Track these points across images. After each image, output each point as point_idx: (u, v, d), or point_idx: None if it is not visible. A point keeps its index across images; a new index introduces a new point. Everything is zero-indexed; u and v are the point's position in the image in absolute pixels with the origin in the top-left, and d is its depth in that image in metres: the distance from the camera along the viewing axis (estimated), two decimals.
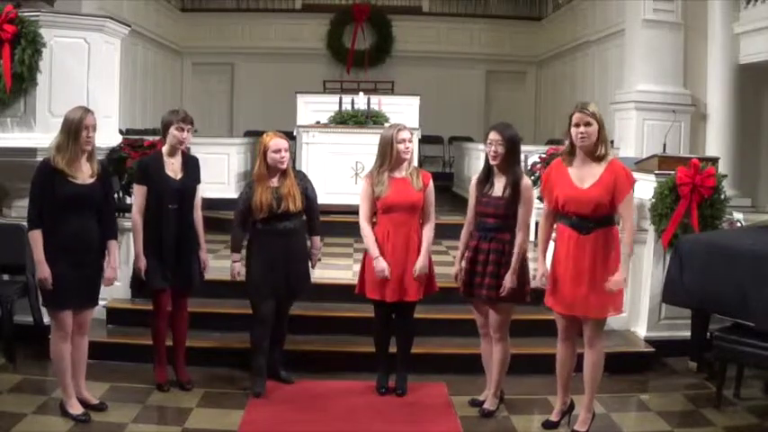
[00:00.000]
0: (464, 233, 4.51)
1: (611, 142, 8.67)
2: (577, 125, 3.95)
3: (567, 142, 4.09)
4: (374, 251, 4.56)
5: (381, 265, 4.52)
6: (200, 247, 4.76)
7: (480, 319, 4.49)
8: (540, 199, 4.38)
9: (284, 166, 4.63)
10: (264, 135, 4.70)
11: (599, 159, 3.98)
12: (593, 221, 3.98)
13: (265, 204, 4.54)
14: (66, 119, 4.08)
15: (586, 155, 4.00)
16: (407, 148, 4.56)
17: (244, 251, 4.73)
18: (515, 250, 4.27)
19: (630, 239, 4.00)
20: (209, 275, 4.89)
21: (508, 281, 4.25)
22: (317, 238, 4.86)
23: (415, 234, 4.58)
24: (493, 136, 4.27)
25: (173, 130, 4.59)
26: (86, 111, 4.12)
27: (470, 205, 4.48)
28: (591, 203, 3.97)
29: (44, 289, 4.09)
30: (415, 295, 4.58)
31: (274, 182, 4.62)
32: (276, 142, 4.60)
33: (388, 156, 4.56)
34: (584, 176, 4.00)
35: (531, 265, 4.55)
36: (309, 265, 4.85)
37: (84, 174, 4.11)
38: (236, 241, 4.72)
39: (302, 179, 4.79)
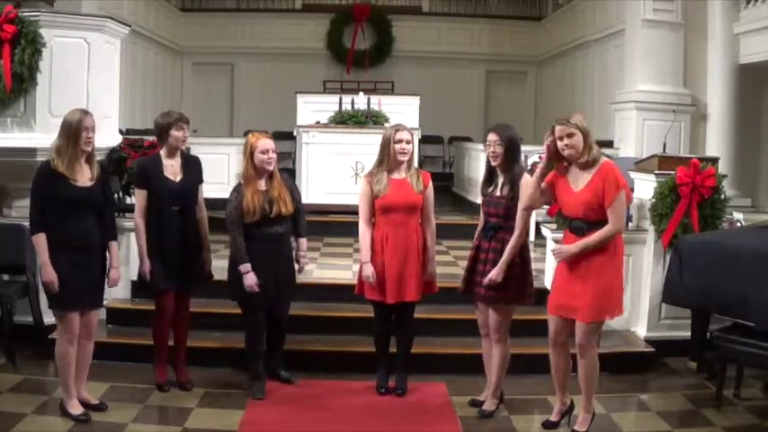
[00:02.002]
0: (476, 236, 4.53)
1: (611, 142, 8.74)
2: (561, 138, 3.97)
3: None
4: (365, 255, 4.57)
5: (368, 270, 4.54)
6: (204, 248, 4.73)
7: (482, 319, 4.49)
8: None
9: (272, 168, 4.56)
10: (250, 135, 4.62)
11: (588, 165, 3.98)
12: (587, 224, 3.98)
13: (258, 207, 4.47)
14: (65, 121, 4.07)
15: (575, 163, 4.02)
16: (404, 149, 4.55)
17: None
18: (508, 246, 4.25)
19: (602, 236, 3.91)
20: None
21: (493, 273, 4.23)
22: (303, 241, 4.79)
23: (414, 235, 4.58)
24: (491, 137, 4.29)
25: (173, 132, 4.57)
26: (85, 112, 4.12)
27: (481, 207, 4.51)
28: (581, 206, 3.99)
29: (49, 291, 4.08)
30: (415, 296, 4.58)
31: (262, 184, 4.55)
32: (264, 143, 4.52)
33: (386, 156, 4.56)
34: (579, 179, 4.03)
35: (535, 266, 4.55)
36: (297, 268, 4.79)
37: (85, 176, 4.11)
38: (241, 250, 4.48)
39: (287, 180, 4.73)
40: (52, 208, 4.04)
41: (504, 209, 4.29)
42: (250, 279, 4.47)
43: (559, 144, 3.99)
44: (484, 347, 4.55)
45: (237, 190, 4.57)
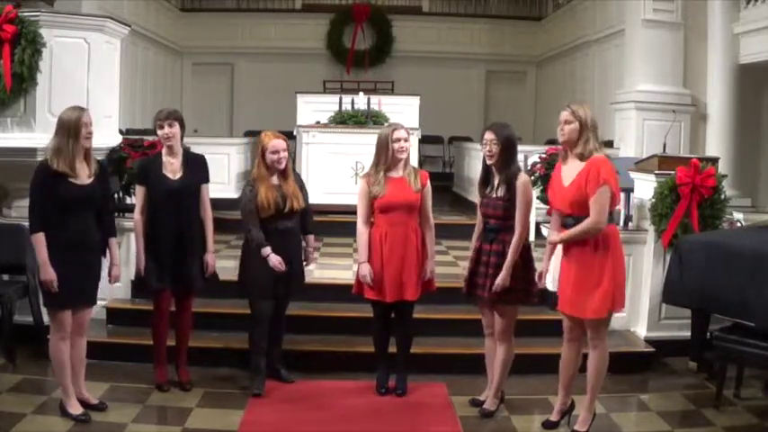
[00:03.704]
0: (474, 236, 4.52)
1: (611, 142, 8.73)
2: (560, 122, 4.04)
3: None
4: (362, 255, 4.59)
5: (364, 270, 4.55)
6: (207, 249, 4.69)
7: (486, 319, 4.49)
8: (543, 199, 4.40)
9: (282, 167, 4.61)
10: (263, 135, 4.66)
11: (582, 158, 3.99)
12: (576, 219, 3.99)
13: (272, 202, 4.52)
14: (63, 120, 4.06)
15: (571, 153, 4.04)
16: (402, 147, 4.55)
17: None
18: (510, 248, 4.26)
19: (583, 228, 3.92)
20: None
21: (500, 278, 4.24)
22: (311, 237, 4.87)
23: (413, 234, 4.58)
24: (488, 136, 4.30)
25: (157, 130, 4.61)
26: (81, 109, 4.12)
27: (478, 207, 4.51)
28: (567, 200, 4.01)
29: (47, 290, 4.09)
30: (414, 295, 4.58)
31: (275, 180, 4.62)
32: (274, 144, 4.57)
33: (384, 155, 4.57)
34: (568, 174, 4.05)
35: (537, 266, 4.55)
36: (305, 264, 4.85)
37: (83, 174, 4.11)
38: (260, 237, 4.54)
39: (297, 178, 4.81)
40: (52, 207, 4.04)
41: (503, 210, 4.29)
42: (274, 259, 4.53)
43: (559, 127, 4.04)
44: (487, 346, 4.55)
45: (252, 184, 4.62)
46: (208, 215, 4.71)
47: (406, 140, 4.58)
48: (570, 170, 4.04)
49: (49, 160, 4.04)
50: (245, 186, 4.70)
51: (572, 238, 4.00)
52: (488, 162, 4.33)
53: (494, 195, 4.33)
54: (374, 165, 4.63)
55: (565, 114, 4.02)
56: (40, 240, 4.04)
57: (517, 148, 4.41)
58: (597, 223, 3.92)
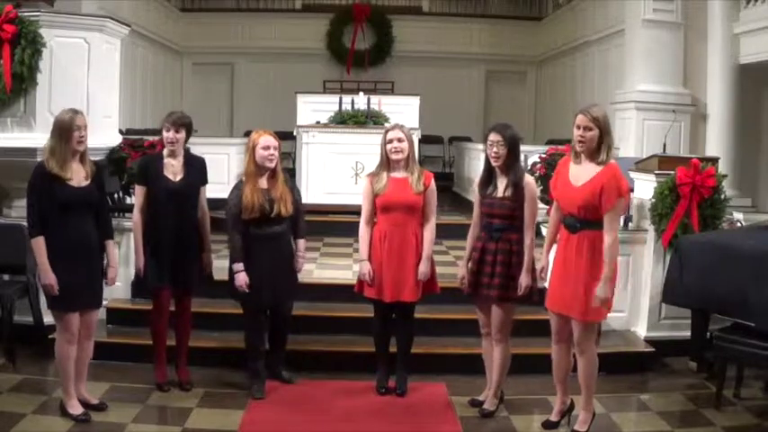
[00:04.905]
0: (470, 235, 4.52)
1: None
2: (578, 127, 3.95)
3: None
4: (363, 253, 4.60)
5: (364, 268, 4.56)
6: (205, 248, 4.72)
7: (483, 319, 4.49)
8: (543, 199, 4.40)
9: (273, 165, 4.55)
10: (254, 132, 4.65)
11: (600, 164, 3.96)
12: (581, 222, 3.98)
13: (257, 206, 4.46)
14: (57, 121, 4.08)
15: (587, 157, 4.00)
16: (396, 148, 4.54)
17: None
18: (526, 249, 4.27)
19: (610, 257, 3.89)
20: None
21: (524, 280, 4.26)
22: (301, 242, 4.79)
23: (413, 235, 4.58)
24: (493, 137, 4.27)
25: (163, 132, 4.62)
26: (75, 112, 4.11)
27: (475, 207, 4.50)
28: (577, 203, 3.98)
29: (49, 293, 4.08)
30: (412, 296, 4.57)
31: (264, 182, 4.55)
32: (265, 139, 4.54)
33: (382, 156, 4.60)
34: (581, 176, 4.00)
35: (536, 265, 4.56)
36: (296, 268, 4.78)
37: (79, 176, 4.11)
38: (237, 248, 4.52)
39: (287, 181, 4.72)
40: (49, 209, 4.03)
41: (510, 210, 4.29)
42: (240, 279, 4.50)
43: (575, 133, 3.97)
44: (484, 347, 4.56)
45: (238, 186, 4.60)
46: (205, 215, 4.73)
47: (399, 141, 4.55)
48: (583, 172, 3.99)
49: (45, 162, 4.05)
50: (233, 189, 4.63)
51: (610, 273, 3.91)
52: (494, 164, 4.30)
53: (499, 195, 4.31)
54: (378, 165, 4.66)
55: (584, 120, 3.92)
56: (39, 245, 4.03)
57: (520, 148, 4.40)
58: (616, 239, 3.95)
